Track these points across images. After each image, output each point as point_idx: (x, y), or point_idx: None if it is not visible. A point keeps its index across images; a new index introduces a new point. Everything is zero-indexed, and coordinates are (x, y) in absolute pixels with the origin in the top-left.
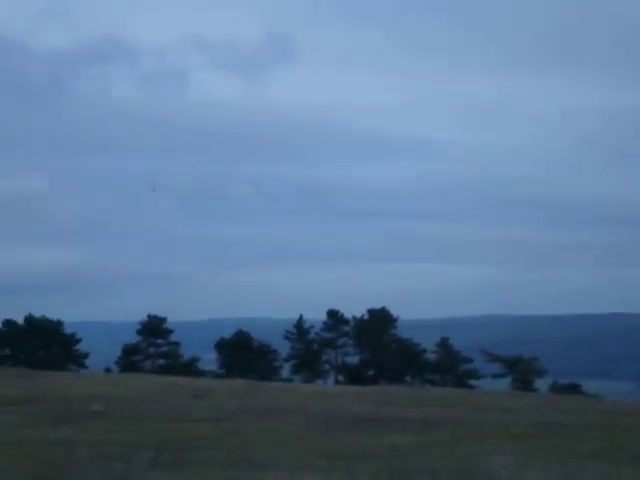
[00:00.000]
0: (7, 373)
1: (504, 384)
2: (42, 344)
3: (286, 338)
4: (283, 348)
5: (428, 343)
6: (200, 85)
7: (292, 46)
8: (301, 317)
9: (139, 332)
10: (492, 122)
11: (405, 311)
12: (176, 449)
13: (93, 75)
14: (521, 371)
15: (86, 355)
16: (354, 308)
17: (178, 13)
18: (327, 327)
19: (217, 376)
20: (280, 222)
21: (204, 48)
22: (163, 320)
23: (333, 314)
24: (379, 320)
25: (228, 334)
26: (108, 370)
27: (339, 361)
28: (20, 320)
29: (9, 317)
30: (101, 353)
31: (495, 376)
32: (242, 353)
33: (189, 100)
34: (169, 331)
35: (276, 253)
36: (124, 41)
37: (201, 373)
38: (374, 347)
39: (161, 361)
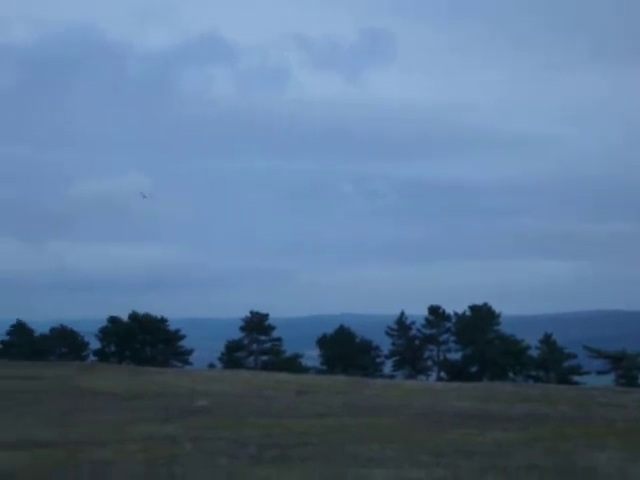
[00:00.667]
0: (113, 369)
1: (608, 380)
2: (147, 341)
3: (388, 334)
4: (385, 344)
5: (531, 339)
6: (299, 83)
7: (391, 43)
8: (403, 313)
9: (242, 329)
10: (597, 119)
11: (508, 307)
12: (280, 445)
13: (195, 74)
14: (626, 367)
15: (190, 351)
16: (456, 304)
17: (278, 12)
18: (429, 323)
19: (320, 372)
20: (382, 220)
21: (303, 46)
22: (266, 317)
23: (435, 310)
24: (481, 316)
25: (330, 330)
26: (212, 366)
27: (441, 357)
28: (125, 317)
29: (114, 314)
30: (205, 350)
31: (599, 372)
32: (344, 349)
33: (288, 98)
34: (272, 327)
35: (377, 250)
36: (225, 40)
37: (304, 369)
38: (477, 343)
39: (264, 357)
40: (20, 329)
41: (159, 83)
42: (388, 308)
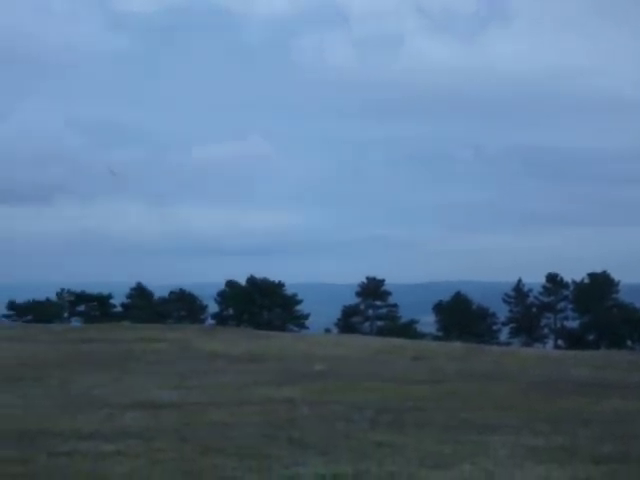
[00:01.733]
0: (231, 332)
1: None
2: (264, 305)
3: (505, 302)
4: (501, 312)
5: None
6: (416, 49)
7: (509, 6)
8: (520, 280)
9: (358, 294)
10: None
11: (627, 276)
12: (396, 410)
13: (311, 40)
14: None
15: (307, 316)
16: (574, 272)
17: None
18: (546, 291)
19: (435, 338)
20: (499, 186)
21: (420, 12)
22: (382, 282)
23: (553, 278)
24: (600, 284)
25: (447, 297)
26: (328, 331)
27: (558, 325)
28: (243, 281)
29: (232, 278)
30: (321, 314)
31: None
32: (461, 316)
33: (404, 65)
34: (388, 293)
35: (495, 216)
36: (342, 7)
37: (419, 335)
38: (595, 311)
39: (380, 323)
40: (140, 292)
41: (277, 49)
42: (505, 275)
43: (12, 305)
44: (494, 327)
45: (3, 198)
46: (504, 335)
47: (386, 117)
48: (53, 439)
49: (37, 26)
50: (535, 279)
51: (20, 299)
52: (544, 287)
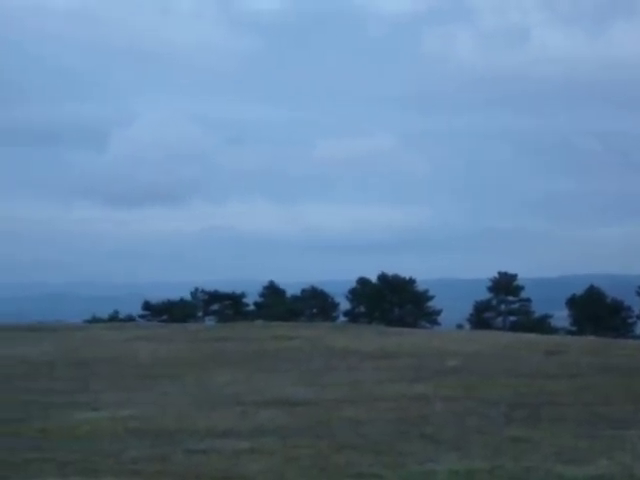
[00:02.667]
0: (363, 329)
1: None
2: (396, 301)
3: (639, 294)
4: (636, 305)
5: None
6: (541, 42)
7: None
8: None
9: (490, 289)
10: None
11: None
12: (530, 405)
13: (436, 34)
14: None
15: (438, 312)
16: None
17: None
18: None
19: (569, 333)
20: (630, 175)
21: (544, 4)
22: (514, 277)
23: None
24: None
25: (580, 291)
26: (460, 327)
27: None
28: (373, 278)
29: (363, 275)
30: (453, 310)
31: None
32: (594, 310)
33: (529, 57)
34: (520, 288)
35: (627, 209)
36: (466, 0)
37: (553, 330)
38: None
39: (512, 318)
40: (272, 290)
41: (403, 44)
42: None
43: (147, 305)
44: (629, 321)
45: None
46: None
47: (513, 109)
48: (189, 437)
49: (165, 26)
50: None
51: (155, 299)
52: None
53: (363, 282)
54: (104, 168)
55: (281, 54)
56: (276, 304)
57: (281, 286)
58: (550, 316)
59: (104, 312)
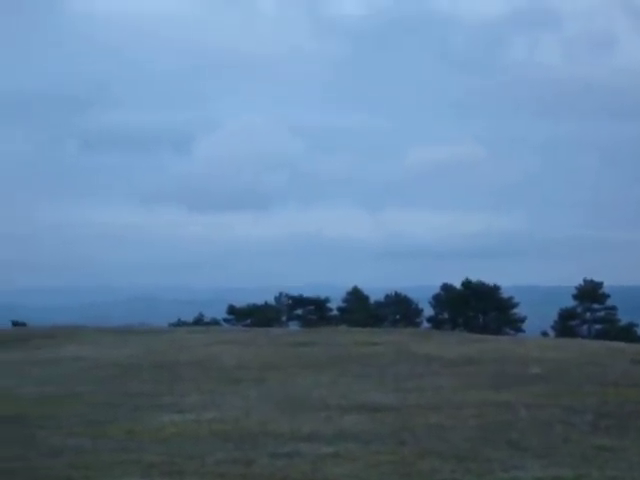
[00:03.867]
0: (447, 336)
1: None
2: (480, 308)
3: None
4: None
5: None
6: (626, 48)
7: None
8: None
9: (575, 297)
10: None
11: None
12: (616, 414)
13: (521, 40)
14: None
15: (523, 319)
16: None
17: None
18: None
19: None
20: None
21: (630, 11)
22: (599, 285)
23: None
24: None
25: None
26: (544, 334)
27: None
28: (457, 284)
29: (447, 281)
30: (537, 317)
31: None
32: None
33: (615, 64)
34: (606, 296)
35: None
36: (551, 6)
37: (638, 339)
38: None
39: (597, 326)
40: (356, 295)
41: (485, 50)
42: None
43: (232, 309)
44: None
45: (223, 205)
46: None
47: (600, 117)
48: (273, 440)
49: (249, 32)
50: None
51: (239, 303)
52: None
53: (447, 288)
54: (191, 173)
55: (367, 60)
56: (359, 309)
57: (365, 292)
58: (636, 325)
59: (189, 315)
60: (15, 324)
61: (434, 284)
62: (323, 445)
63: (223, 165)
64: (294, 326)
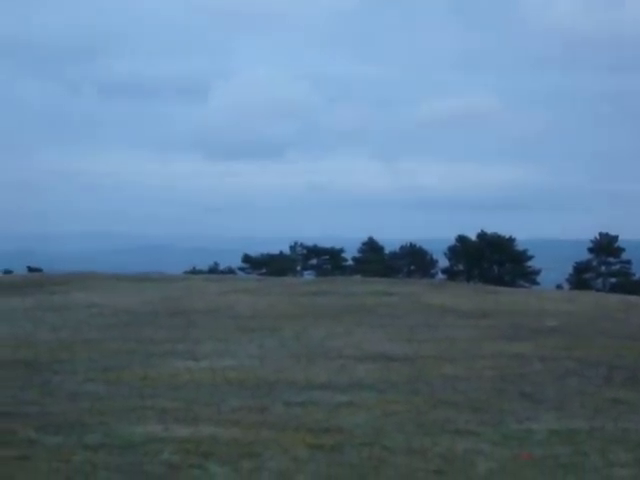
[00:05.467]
0: (462, 288)
1: None
2: (495, 260)
3: None
4: None
5: None
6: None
7: None
8: None
9: (590, 250)
10: None
11: None
12: (630, 367)
13: None
14: None
15: (538, 272)
16: None
17: None
18: None
19: None
20: None
21: None
22: (615, 238)
23: None
24: None
25: None
26: (559, 287)
27: None
28: (473, 236)
29: (463, 233)
30: (552, 270)
31: None
32: None
33: (628, 18)
34: (621, 249)
35: None
36: None
37: None
38: None
39: (612, 279)
40: (371, 246)
41: (501, 3)
42: None
43: (247, 258)
44: None
45: (237, 154)
46: None
47: (615, 70)
48: (288, 389)
49: None
50: None
51: (255, 252)
52: None
53: (462, 240)
54: (205, 122)
55: (383, 13)
56: (374, 260)
57: (380, 243)
58: None
59: (204, 264)
60: (31, 270)
61: (449, 236)
62: (337, 394)
63: (238, 114)
64: (309, 276)
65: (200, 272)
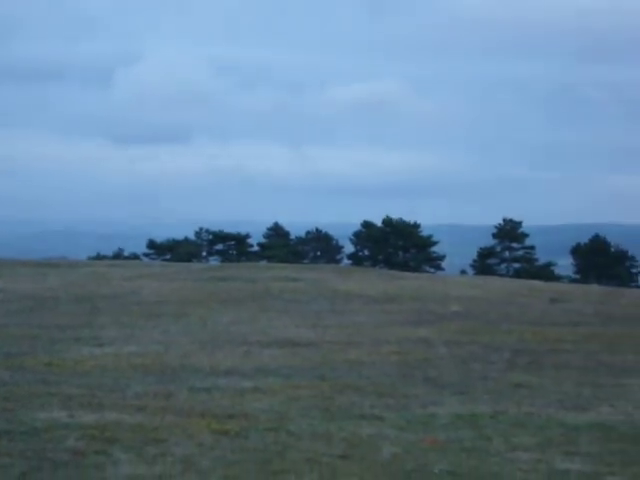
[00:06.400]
0: (367, 273)
1: None
2: (400, 246)
3: None
4: None
5: None
6: None
7: None
8: None
9: (494, 236)
10: None
11: None
12: (533, 351)
13: None
14: None
15: (442, 257)
16: None
17: None
18: None
19: (573, 281)
20: (635, 126)
21: None
22: (519, 224)
23: None
24: None
25: (585, 239)
26: (463, 272)
27: None
28: (378, 222)
29: (367, 219)
30: (456, 256)
31: None
32: (598, 259)
33: (547, 3)
34: (525, 235)
35: (634, 158)
36: None
37: (556, 278)
38: None
39: (516, 265)
40: (277, 231)
41: None
42: None
43: (152, 244)
44: (633, 270)
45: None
46: None
47: (524, 56)
48: (193, 375)
49: None
50: None
51: (159, 238)
52: None
53: (368, 225)
54: (111, 106)
55: None
56: (280, 246)
57: (286, 228)
58: (554, 264)
59: (108, 250)
60: None
61: (355, 221)
62: (243, 380)
63: (144, 99)
64: (214, 261)
65: (104, 258)
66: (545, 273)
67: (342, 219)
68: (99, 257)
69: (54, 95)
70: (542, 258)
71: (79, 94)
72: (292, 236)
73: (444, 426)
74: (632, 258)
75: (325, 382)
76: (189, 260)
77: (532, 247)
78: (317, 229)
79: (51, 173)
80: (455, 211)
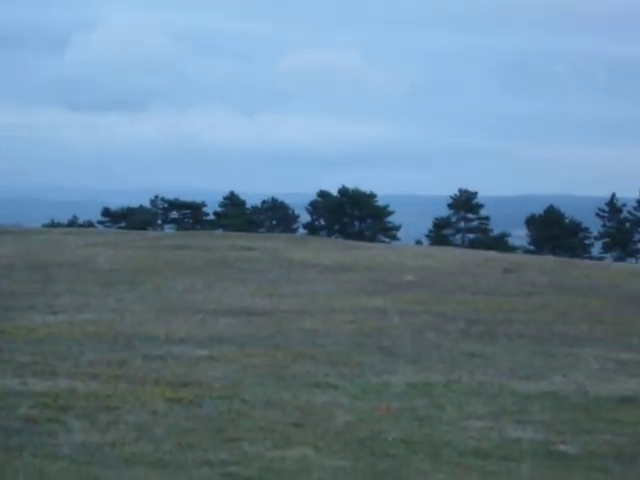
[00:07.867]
0: (322, 242)
1: None
2: (356, 215)
3: (598, 216)
4: (594, 226)
5: None
6: None
7: None
8: (614, 195)
9: (450, 206)
10: None
11: None
12: (487, 321)
13: None
14: None
15: (398, 227)
16: None
17: None
18: None
19: (527, 252)
20: (594, 99)
21: None
22: (474, 195)
23: None
24: None
25: (539, 210)
26: (419, 243)
27: None
28: (334, 192)
29: (323, 188)
30: (412, 226)
31: None
32: (553, 230)
33: None
34: (480, 206)
35: (588, 131)
36: None
37: (511, 248)
38: None
39: (471, 235)
40: (232, 200)
41: None
42: (599, 190)
43: (106, 212)
44: (586, 242)
45: (98, 106)
46: (596, 250)
47: (480, 28)
48: (148, 343)
49: None
50: (630, 194)
51: (114, 205)
52: (638, 202)
53: (323, 195)
54: (67, 73)
55: None
56: (236, 215)
57: (241, 197)
58: (508, 235)
59: (63, 217)
60: None
61: (311, 191)
62: (197, 348)
63: (101, 66)
64: (170, 230)
65: (59, 225)
66: (500, 244)
67: (298, 188)
68: (53, 224)
69: (8, 62)
70: (497, 229)
71: (33, 61)
72: (248, 205)
73: (398, 394)
74: (586, 229)
75: (279, 351)
76: (144, 228)
77: (487, 218)
78: (273, 198)
79: (3, 140)
80: (411, 181)
